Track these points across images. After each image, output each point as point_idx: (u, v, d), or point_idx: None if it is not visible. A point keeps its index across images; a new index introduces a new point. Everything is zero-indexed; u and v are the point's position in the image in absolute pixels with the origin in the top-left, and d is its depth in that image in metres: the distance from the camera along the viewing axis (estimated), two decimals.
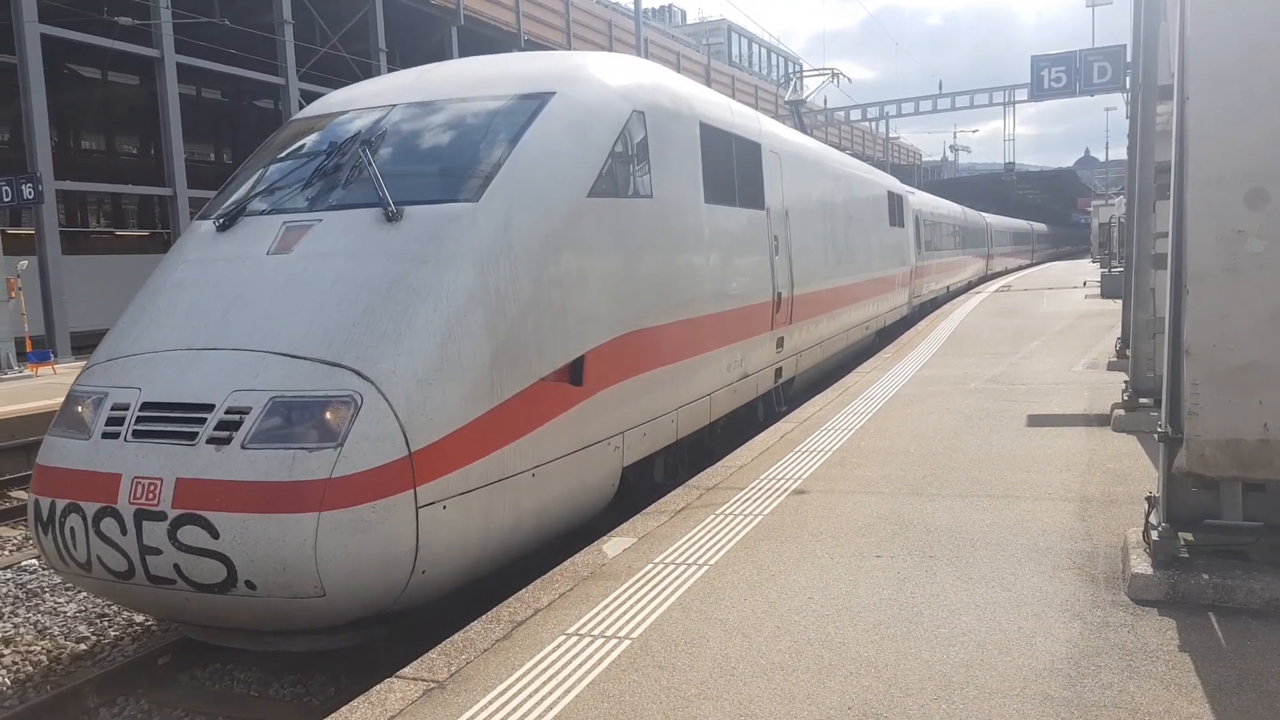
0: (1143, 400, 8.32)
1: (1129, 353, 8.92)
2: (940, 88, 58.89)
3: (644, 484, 7.32)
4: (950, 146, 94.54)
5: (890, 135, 61.40)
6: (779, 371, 10.63)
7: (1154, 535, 4.65)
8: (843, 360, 14.66)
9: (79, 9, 20.78)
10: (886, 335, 18.53)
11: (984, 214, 42.84)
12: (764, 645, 4.16)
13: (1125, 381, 8.80)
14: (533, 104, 6.47)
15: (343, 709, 3.79)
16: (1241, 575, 4.45)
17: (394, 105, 6.77)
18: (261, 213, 6.10)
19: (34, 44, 19.43)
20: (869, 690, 3.70)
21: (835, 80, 23.49)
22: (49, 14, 20.22)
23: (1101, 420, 8.70)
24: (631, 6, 32.10)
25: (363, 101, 7.08)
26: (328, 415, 4.72)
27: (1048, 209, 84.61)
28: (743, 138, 9.60)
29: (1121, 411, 8.43)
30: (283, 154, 6.85)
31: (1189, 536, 4.68)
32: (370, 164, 5.99)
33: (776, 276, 10.21)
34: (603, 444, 6.34)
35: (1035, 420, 8.90)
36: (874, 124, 53.29)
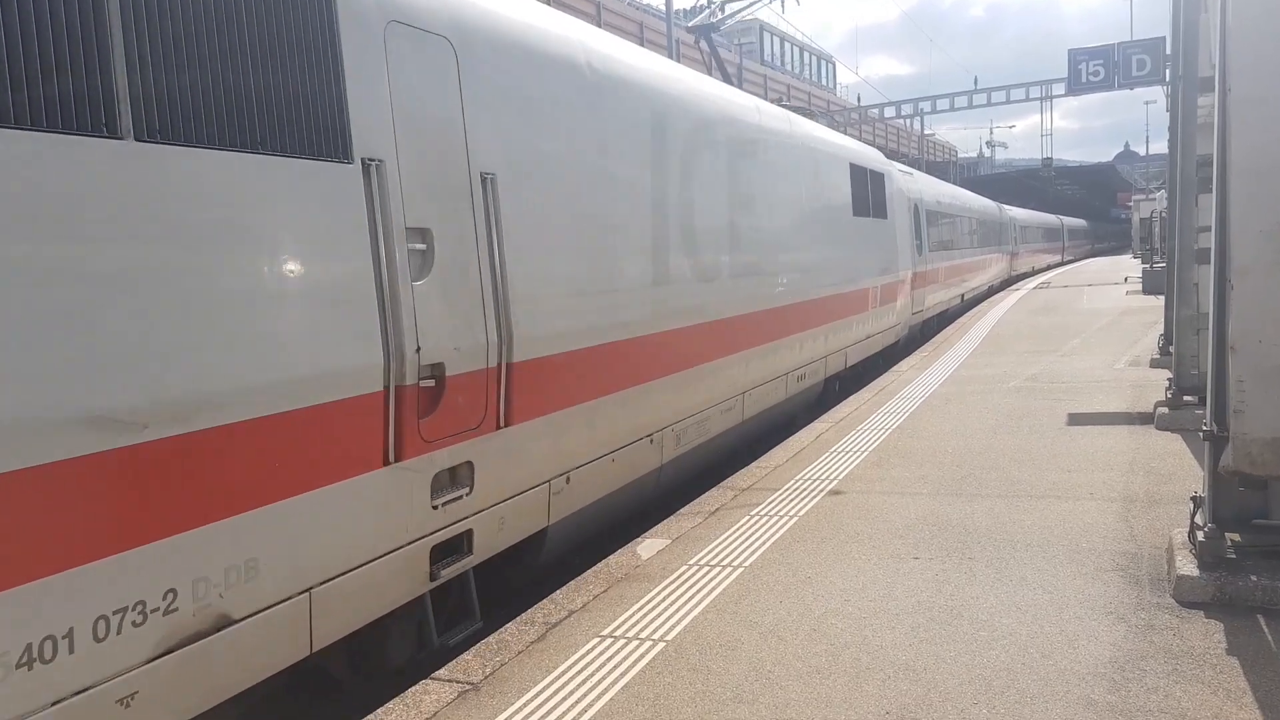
0: (1187, 398, 8.18)
1: (1172, 349, 8.78)
2: (976, 83, 58.32)
3: None
4: (987, 143, 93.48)
5: (926, 132, 60.93)
6: (443, 549, 4.60)
7: (1200, 536, 4.55)
8: (732, 449, 8.56)
9: None
10: (863, 374, 12.87)
11: (1007, 206, 41.09)
12: (799, 648, 4.12)
13: (1169, 379, 8.66)
14: None
15: (378, 710, 3.81)
16: None
17: None
18: None
19: None
20: (906, 694, 3.65)
21: (782, 3, 15.63)
22: None
23: (1145, 419, 8.55)
24: (663, 7, 32.10)
25: None
26: None
27: (1087, 204, 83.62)
28: None
29: (1165, 409, 8.29)
30: None
31: (1236, 537, 4.58)
32: None
33: (417, 323, 4.29)
34: None
35: (1076, 419, 8.77)
36: (908, 121, 52.88)
